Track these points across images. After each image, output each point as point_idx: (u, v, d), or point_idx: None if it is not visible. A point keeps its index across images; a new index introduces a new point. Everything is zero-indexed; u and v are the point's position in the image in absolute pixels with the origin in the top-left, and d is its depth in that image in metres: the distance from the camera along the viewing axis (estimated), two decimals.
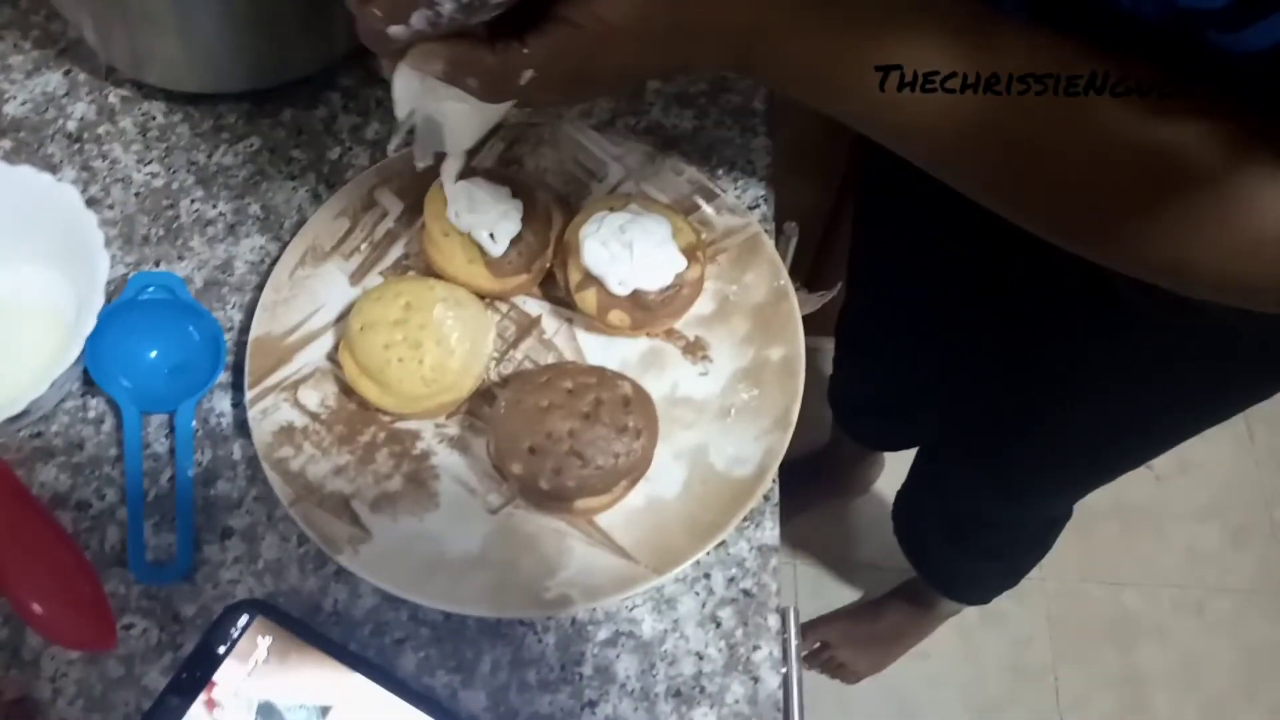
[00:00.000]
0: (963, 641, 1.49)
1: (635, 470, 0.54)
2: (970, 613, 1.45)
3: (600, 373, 0.54)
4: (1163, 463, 0.93)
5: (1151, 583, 1.52)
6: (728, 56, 0.42)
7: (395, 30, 0.39)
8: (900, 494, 1.27)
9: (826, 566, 1.53)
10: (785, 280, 0.60)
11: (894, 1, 0.40)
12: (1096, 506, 1.02)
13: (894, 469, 1.52)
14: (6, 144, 0.67)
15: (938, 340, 0.98)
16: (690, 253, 0.58)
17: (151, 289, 0.58)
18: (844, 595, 1.52)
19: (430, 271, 0.60)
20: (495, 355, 0.59)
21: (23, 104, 0.68)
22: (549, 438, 0.52)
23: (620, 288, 0.56)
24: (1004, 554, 1.14)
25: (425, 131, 0.49)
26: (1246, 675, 1.46)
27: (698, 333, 0.60)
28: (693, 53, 0.42)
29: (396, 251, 0.62)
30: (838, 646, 1.44)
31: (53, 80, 0.69)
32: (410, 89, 0.45)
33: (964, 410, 1.00)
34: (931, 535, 1.19)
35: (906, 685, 1.46)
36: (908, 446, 1.26)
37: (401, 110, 0.47)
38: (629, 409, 0.53)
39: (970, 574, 1.22)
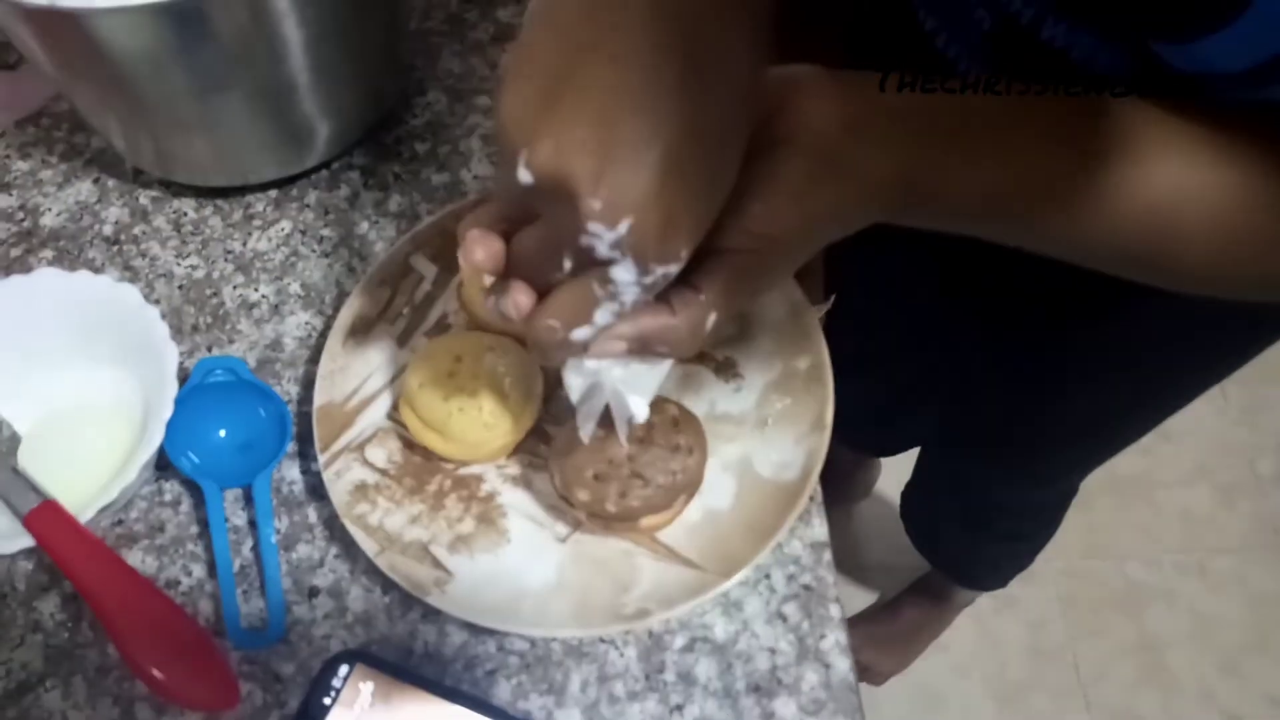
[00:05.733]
0: (980, 630, 1.52)
1: (691, 485, 0.58)
2: (984, 601, 1.50)
3: None
4: None
5: (1152, 551, 1.57)
6: (884, 213, 0.42)
7: (579, 334, 0.37)
8: (908, 491, 1.31)
9: (838, 572, 1.57)
10: (800, 296, 0.65)
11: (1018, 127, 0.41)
12: (1091, 484, 1.07)
13: (891, 468, 1.57)
14: (48, 254, 0.70)
15: (931, 343, 1.00)
16: None
17: (218, 372, 0.61)
18: (859, 598, 1.55)
19: (473, 325, 0.64)
20: (543, 395, 0.63)
21: (58, 215, 0.72)
22: (610, 464, 0.56)
23: None
24: (1022, 535, 1.18)
25: (612, 401, 0.47)
26: (1255, 627, 1.51)
27: (726, 353, 0.64)
28: (853, 221, 0.41)
29: (436, 312, 0.66)
30: (860, 650, 1.46)
31: (83, 189, 0.73)
32: (586, 371, 0.44)
33: (965, 407, 1.03)
34: (946, 527, 1.23)
35: (930, 679, 1.50)
36: (907, 449, 1.30)
37: (578, 393, 0.45)
38: (679, 428, 0.57)
39: (989, 560, 1.25)
